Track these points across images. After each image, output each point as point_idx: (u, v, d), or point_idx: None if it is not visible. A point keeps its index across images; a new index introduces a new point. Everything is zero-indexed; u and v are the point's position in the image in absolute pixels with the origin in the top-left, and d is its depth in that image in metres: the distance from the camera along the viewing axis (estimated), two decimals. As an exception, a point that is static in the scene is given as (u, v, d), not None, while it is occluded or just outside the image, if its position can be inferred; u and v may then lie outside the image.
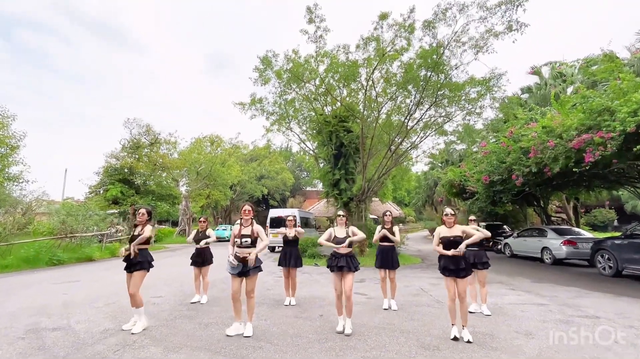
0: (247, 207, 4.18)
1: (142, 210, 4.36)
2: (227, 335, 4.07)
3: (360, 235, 4.46)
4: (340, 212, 4.58)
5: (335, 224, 4.61)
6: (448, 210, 4.13)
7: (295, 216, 6.39)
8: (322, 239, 4.54)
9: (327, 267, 4.45)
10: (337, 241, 4.41)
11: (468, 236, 4.05)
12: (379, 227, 5.60)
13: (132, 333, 4.10)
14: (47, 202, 19.31)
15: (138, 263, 4.23)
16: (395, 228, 5.48)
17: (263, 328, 4.40)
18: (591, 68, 13.87)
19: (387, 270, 5.52)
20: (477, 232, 4.14)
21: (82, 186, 27.19)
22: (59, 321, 4.70)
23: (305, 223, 16.78)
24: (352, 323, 4.37)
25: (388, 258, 5.45)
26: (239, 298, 4.09)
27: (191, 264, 5.96)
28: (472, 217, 5.62)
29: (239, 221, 4.31)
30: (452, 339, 3.94)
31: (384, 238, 5.47)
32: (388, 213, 5.53)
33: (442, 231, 4.14)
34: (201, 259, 5.91)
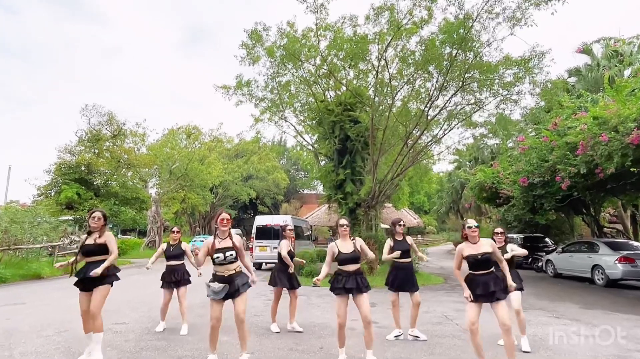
0: (225, 216, 4.19)
1: (97, 214, 4.43)
2: None
3: (371, 254, 4.56)
4: (343, 221, 4.56)
5: (335, 236, 4.62)
6: (472, 222, 4.12)
7: (290, 225, 6.40)
8: (326, 264, 4.52)
9: (331, 290, 4.43)
10: (343, 257, 4.38)
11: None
12: (388, 240, 5.58)
13: None
14: (-14, 207, 19.35)
15: (102, 276, 4.25)
16: (409, 239, 5.50)
17: (250, 362, 4.39)
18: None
19: (399, 294, 5.49)
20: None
21: (29, 187, 27.28)
22: (-1, 353, 4.69)
23: (297, 233, 16.48)
24: (358, 358, 4.35)
25: (408, 278, 5.43)
26: (219, 326, 4.08)
27: (162, 286, 5.93)
28: (498, 230, 5.20)
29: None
30: None
31: (403, 254, 5.45)
32: (402, 222, 5.52)
33: (465, 248, 4.10)
34: (174, 278, 5.88)
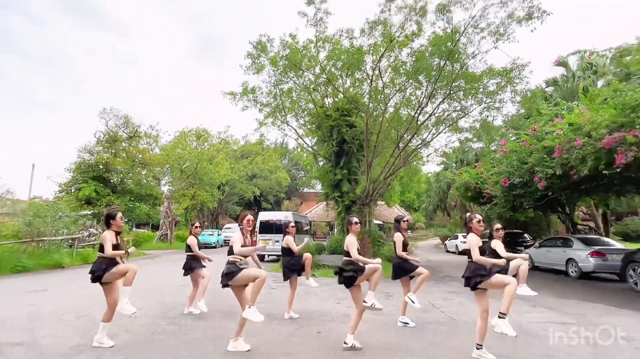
0: (250, 217, 4.35)
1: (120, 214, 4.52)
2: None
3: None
4: (356, 219, 4.62)
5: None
6: (479, 216, 4.26)
7: (292, 222, 6.35)
8: (366, 263, 4.48)
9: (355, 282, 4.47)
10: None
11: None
12: (400, 235, 5.41)
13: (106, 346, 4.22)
14: (12, 201, 19.28)
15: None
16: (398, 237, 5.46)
17: (252, 345, 4.40)
18: (625, 58, 13.90)
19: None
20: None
21: (51, 184, 27.22)
22: (22, 335, 4.69)
23: (298, 228, 16.36)
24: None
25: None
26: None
27: (186, 274, 6.20)
28: (498, 226, 4.92)
29: (236, 229, 4.38)
30: None
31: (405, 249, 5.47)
32: (406, 218, 5.57)
33: (477, 240, 4.14)
34: (200, 264, 6.17)
